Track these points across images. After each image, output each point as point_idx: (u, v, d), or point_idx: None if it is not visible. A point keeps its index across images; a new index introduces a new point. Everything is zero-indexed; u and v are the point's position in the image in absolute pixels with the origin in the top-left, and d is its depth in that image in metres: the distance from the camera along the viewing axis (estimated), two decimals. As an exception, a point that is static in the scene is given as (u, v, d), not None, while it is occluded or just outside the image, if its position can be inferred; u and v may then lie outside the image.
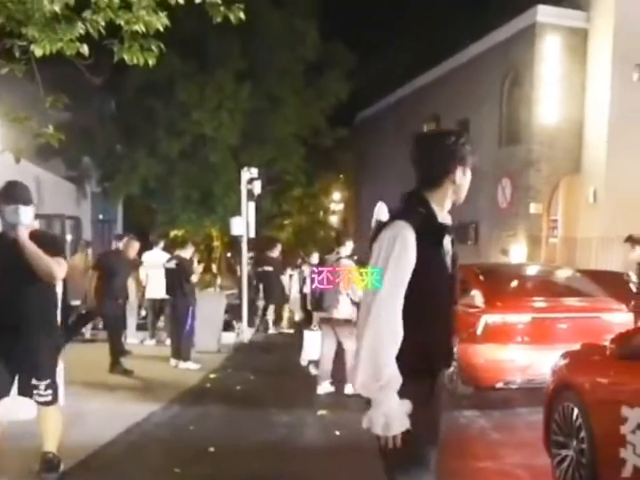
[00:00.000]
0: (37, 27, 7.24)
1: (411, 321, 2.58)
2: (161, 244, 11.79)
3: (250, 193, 12.23)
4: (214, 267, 29.48)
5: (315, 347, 8.75)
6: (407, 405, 2.49)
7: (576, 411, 4.26)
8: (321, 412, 7.11)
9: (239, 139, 19.68)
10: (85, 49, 7.50)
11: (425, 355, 2.65)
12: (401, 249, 2.58)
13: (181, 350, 9.58)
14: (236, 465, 5.44)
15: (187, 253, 9.77)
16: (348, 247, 7.85)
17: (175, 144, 19.34)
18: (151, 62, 7.67)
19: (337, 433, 6.27)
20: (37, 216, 14.63)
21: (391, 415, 2.46)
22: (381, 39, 25.68)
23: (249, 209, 12.23)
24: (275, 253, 13.81)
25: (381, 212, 5.16)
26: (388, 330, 2.52)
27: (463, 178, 2.79)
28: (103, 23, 7.22)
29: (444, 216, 2.79)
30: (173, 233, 23.54)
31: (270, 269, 13.34)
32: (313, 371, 8.51)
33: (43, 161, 17.77)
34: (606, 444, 3.92)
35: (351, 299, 7.59)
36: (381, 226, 2.71)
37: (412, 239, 2.59)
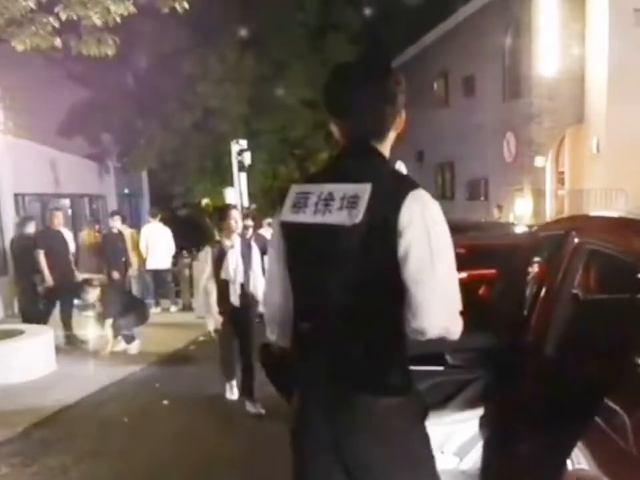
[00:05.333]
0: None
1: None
2: (159, 216, 12.38)
3: (241, 164, 12.70)
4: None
5: None
6: None
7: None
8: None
9: (247, 107, 19.99)
10: (58, 42, 8.07)
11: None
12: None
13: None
14: (177, 415, 6.29)
15: None
16: None
17: (186, 117, 19.78)
18: (110, 52, 8.21)
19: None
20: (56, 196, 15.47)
21: None
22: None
23: (240, 179, 12.75)
24: None
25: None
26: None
27: (401, 124, 2.20)
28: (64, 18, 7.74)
29: None
30: (204, 202, 24.13)
31: None
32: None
33: (65, 142, 18.42)
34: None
35: None
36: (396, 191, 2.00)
37: None
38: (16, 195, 13.03)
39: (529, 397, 3.05)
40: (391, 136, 2.18)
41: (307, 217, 2.08)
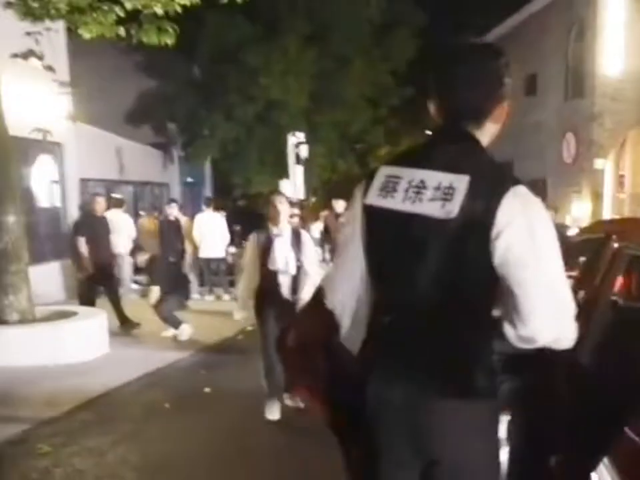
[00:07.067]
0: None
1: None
2: (212, 205, 12.59)
3: (297, 157, 12.78)
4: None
5: None
6: None
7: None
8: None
9: (308, 101, 20.07)
10: (121, 32, 8.30)
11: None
12: None
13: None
14: (218, 403, 6.31)
15: None
16: None
17: (249, 108, 19.98)
18: (170, 41, 8.32)
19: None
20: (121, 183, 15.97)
21: None
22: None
23: (296, 172, 12.84)
24: None
25: None
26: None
27: (502, 117, 2.03)
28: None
29: None
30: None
31: None
32: None
33: (131, 130, 18.95)
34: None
35: None
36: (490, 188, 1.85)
37: None
38: (81, 180, 13.42)
39: (559, 405, 2.89)
40: (490, 127, 2.01)
41: (395, 202, 1.94)
